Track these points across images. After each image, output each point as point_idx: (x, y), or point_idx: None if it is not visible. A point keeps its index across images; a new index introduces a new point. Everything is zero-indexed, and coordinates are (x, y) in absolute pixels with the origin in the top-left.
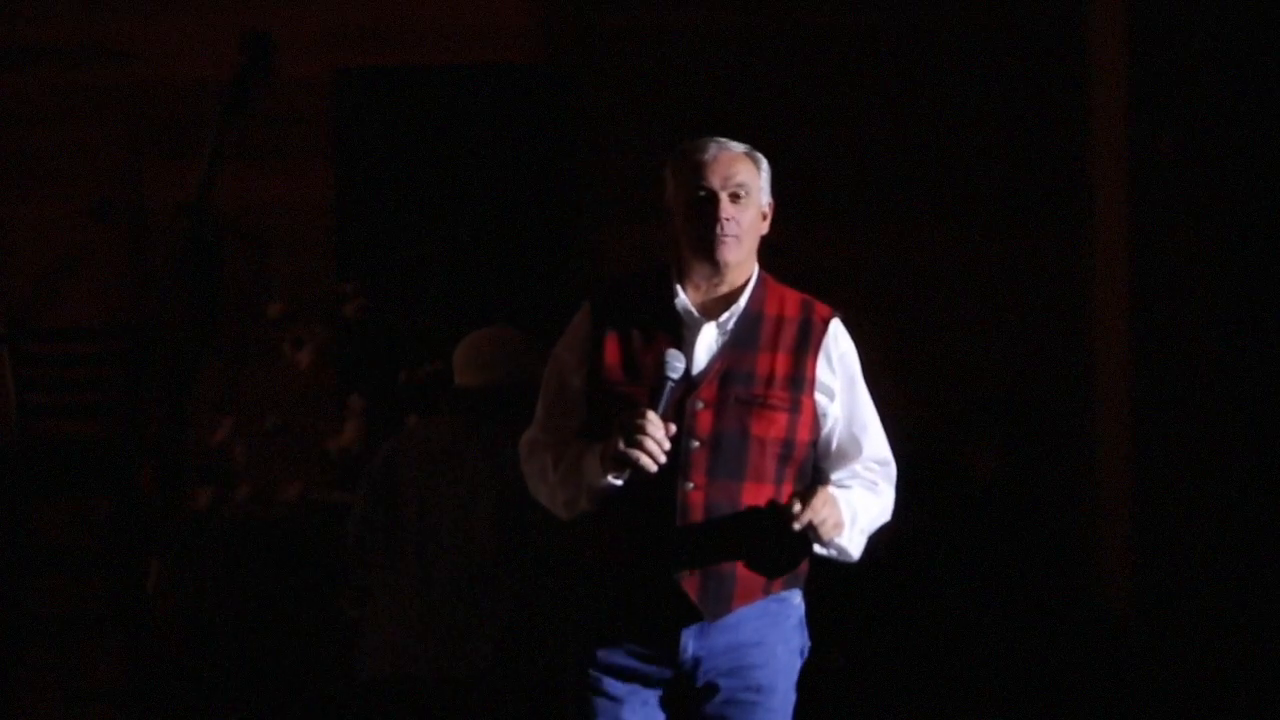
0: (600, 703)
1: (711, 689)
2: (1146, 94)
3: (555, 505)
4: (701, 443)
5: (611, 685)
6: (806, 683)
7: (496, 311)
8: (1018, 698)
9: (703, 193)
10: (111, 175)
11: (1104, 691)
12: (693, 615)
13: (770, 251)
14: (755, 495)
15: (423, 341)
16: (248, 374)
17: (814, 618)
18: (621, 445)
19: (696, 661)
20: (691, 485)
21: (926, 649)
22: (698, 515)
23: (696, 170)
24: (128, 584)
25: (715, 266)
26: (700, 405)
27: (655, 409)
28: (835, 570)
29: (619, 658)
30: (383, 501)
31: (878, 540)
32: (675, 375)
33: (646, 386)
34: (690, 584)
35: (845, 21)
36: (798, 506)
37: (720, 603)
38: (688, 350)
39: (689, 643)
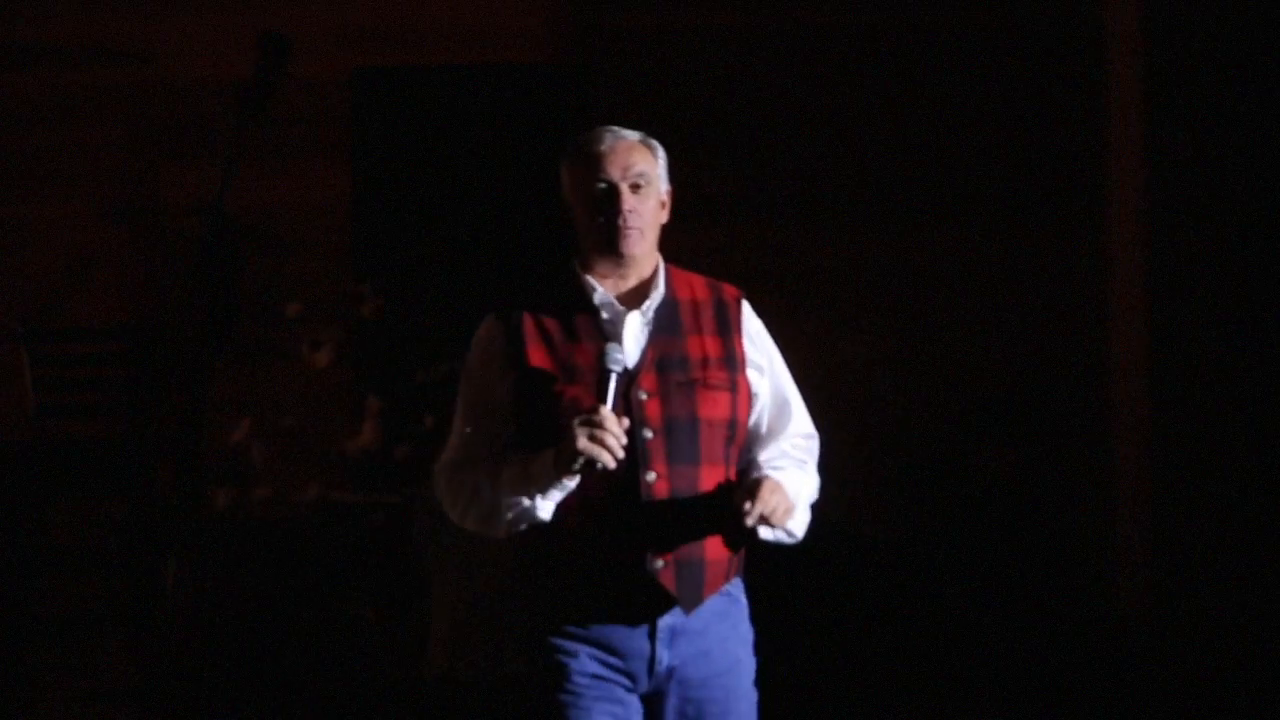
0: (581, 710)
1: (684, 700)
2: (1163, 92)
3: (490, 525)
4: (655, 431)
5: (585, 698)
6: (808, 683)
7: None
8: (1026, 698)
9: (603, 185)
10: (125, 176)
11: (1118, 691)
12: (666, 607)
13: (770, 251)
14: (710, 478)
15: (439, 341)
16: (265, 374)
17: (816, 618)
18: (582, 443)
19: (670, 672)
20: (654, 475)
21: (931, 648)
22: (664, 505)
23: (594, 163)
24: (144, 584)
25: (620, 259)
26: (644, 395)
27: (603, 404)
28: (837, 571)
29: (592, 668)
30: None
31: (880, 539)
32: (618, 367)
33: (584, 384)
34: (666, 576)
35: (850, 20)
36: (748, 504)
37: (695, 591)
38: (617, 343)
39: (662, 653)
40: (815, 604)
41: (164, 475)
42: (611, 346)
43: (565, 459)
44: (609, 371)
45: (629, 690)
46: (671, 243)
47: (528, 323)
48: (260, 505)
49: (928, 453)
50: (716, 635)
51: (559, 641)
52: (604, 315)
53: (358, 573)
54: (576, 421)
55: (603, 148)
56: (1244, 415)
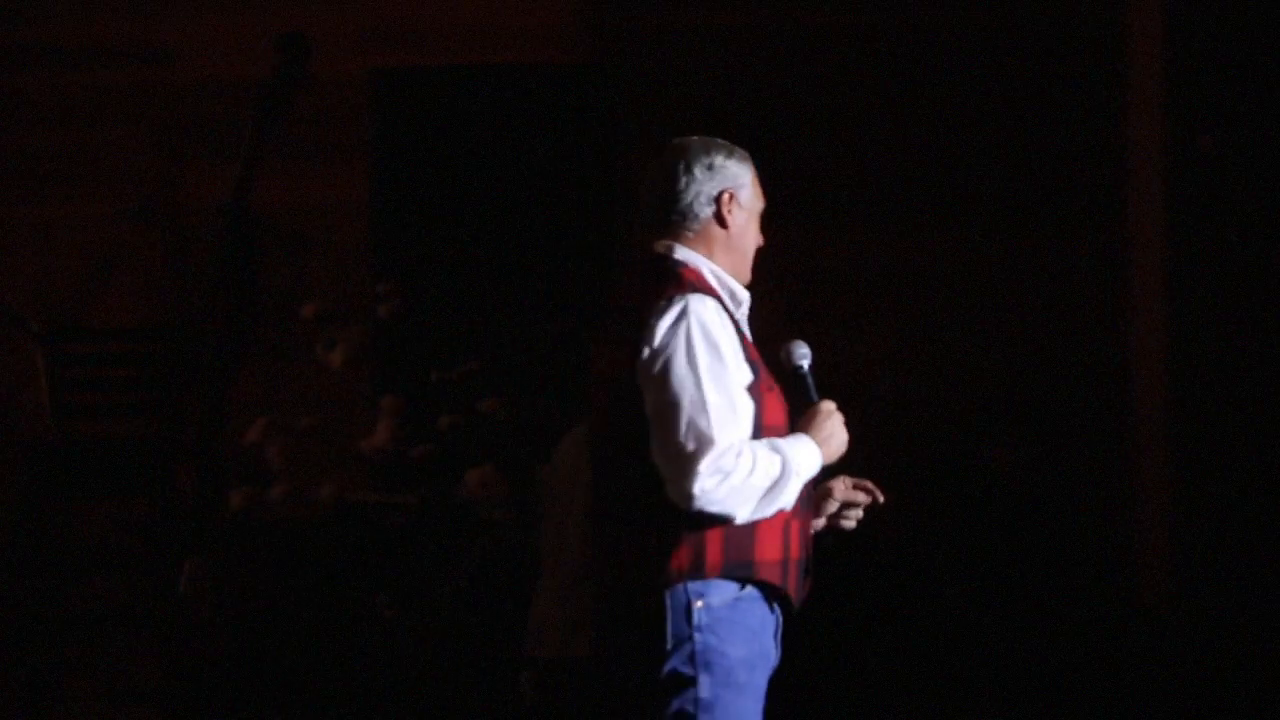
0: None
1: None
2: (1185, 93)
3: (770, 507)
4: None
5: (752, 707)
6: (810, 682)
7: (534, 314)
8: (1038, 699)
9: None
10: (149, 176)
11: (1137, 690)
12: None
13: (774, 252)
14: None
15: (457, 342)
16: (282, 374)
17: (822, 618)
18: (846, 436)
19: (773, 671)
20: None
21: (935, 649)
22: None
23: (758, 186)
24: (165, 584)
25: (748, 278)
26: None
27: (811, 398)
28: (842, 570)
29: (765, 672)
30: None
31: (885, 538)
32: (808, 362)
33: (774, 380)
34: (809, 582)
35: (858, 20)
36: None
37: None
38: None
39: (778, 650)
40: (821, 604)
41: (183, 475)
42: (798, 343)
43: (836, 452)
44: (801, 368)
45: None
46: None
47: (731, 312)
48: (276, 505)
49: (941, 452)
50: None
51: (744, 648)
52: (743, 316)
53: (375, 571)
54: (838, 416)
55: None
56: (1263, 412)
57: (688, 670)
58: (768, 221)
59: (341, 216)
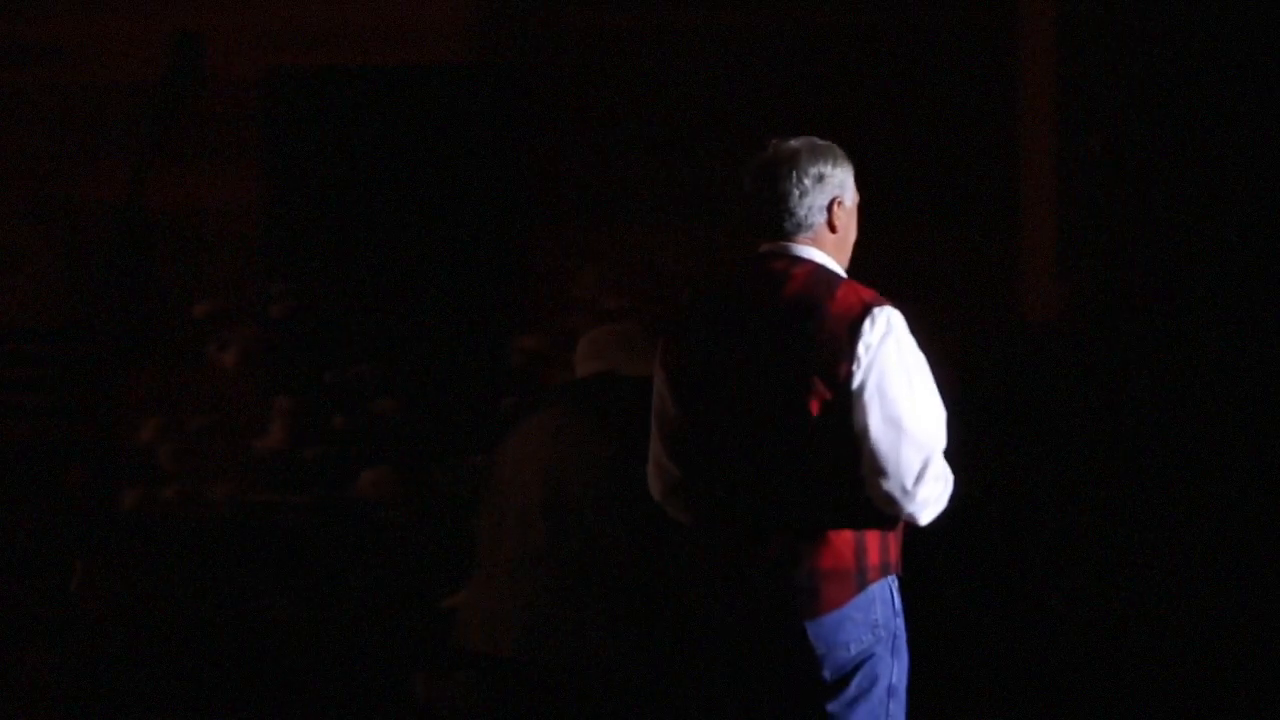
0: (906, 708)
1: None
2: (1074, 95)
3: (946, 505)
4: None
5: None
6: None
7: (430, 313)
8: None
9: None
10: (43, 176)
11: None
12: None
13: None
14: None
15: (351, 343)
16: (176, 374)
17: None
18: None
19: None
20: None
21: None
22: None
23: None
24: (55, 585)
25: None
26: None
27: None
28: None
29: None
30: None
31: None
32: None
33: None
34: None
35: (775, 23)
36: None
37: None
38: None
39: None
40: None
41: (74, 475)
42: None
43: None
44: None
45: None
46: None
47: None
48: (169, 505)
49: None
50: None
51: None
52: None
53: (269, 572)
54: None
55: None
56: (1160, 402)
57: (888, 657)
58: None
59: (235, 216)
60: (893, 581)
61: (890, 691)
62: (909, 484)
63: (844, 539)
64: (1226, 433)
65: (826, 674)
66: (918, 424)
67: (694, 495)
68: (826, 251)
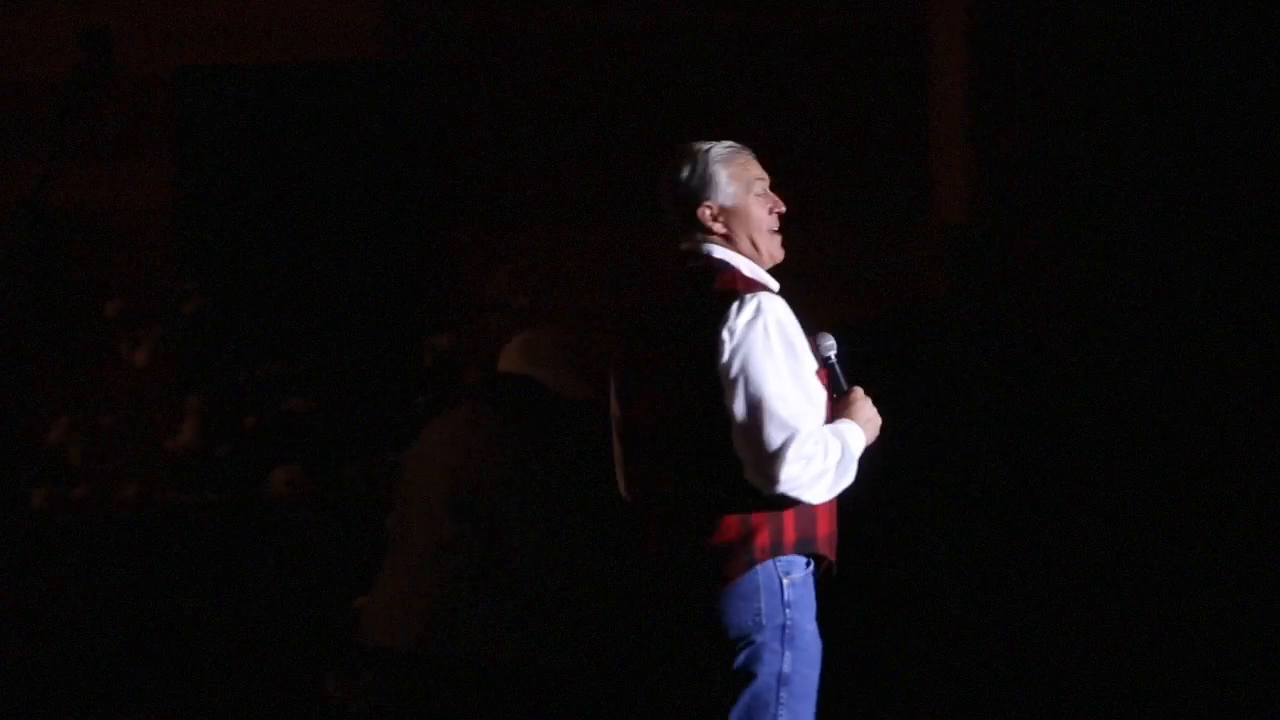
0: (811, 697)
1: None
2: (986, 94)
3: (834, 488)
4: None
5: (815, 681)
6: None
7: (341, 312)
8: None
9: (765, 181)
10: None
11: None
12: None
13: (598, 251)
14: None
15: (263, 341)
16: (86, 373)
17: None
18: (878, 424)
19: None
20: None
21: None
22: None
23: (750, 159)
24: None
25: (779, 254)
26: None
27: (841, 386)
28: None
29: (818, 649)
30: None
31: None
32: (834, 352)
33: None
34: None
35: (683, 23)
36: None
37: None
38: None
39: None
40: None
41: None
42: (825, 334)
43: (872, 435)
44: (830, 359)
45: None
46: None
47: None
48: (79, 504)
49: None
50: None
51: (812, 623)
52: None
53: (180, 570)
54: (869, 402)
55: (750, 156)
56: (1063, 403)
57: (776, 645)
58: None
59: (146, 214)
60: (786, 570)
61: (781, 679)
62: (771, 465)
63: (733, 520)
64: (1130, 402)
65: (716, 652)
66: (781, 405)
67: (628, 486)
68: (725, 245)
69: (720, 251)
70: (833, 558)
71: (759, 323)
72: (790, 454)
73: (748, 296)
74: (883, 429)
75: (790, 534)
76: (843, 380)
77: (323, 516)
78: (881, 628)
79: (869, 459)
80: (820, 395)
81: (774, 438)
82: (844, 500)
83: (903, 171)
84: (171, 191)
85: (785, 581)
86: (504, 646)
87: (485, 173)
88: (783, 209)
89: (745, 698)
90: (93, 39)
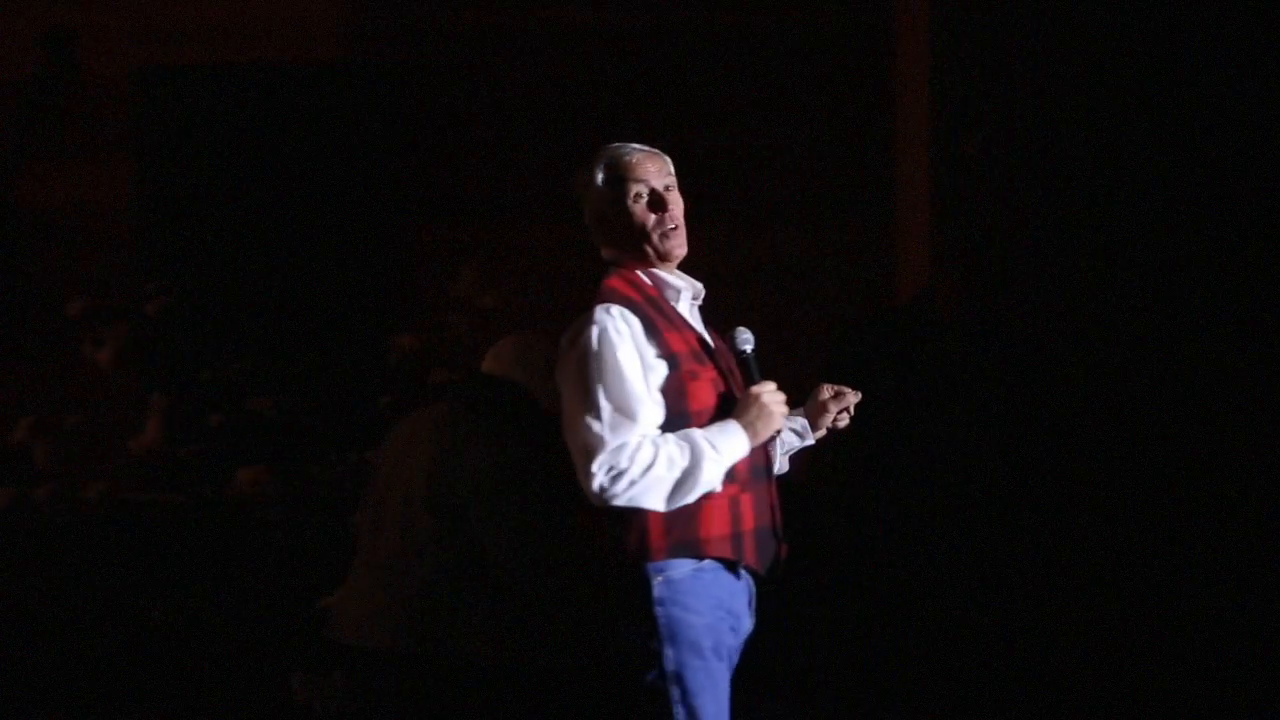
0: (724, 688)
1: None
2: (950, 95)
3: (680, 497)
4: None
5: (725, 666)
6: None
7: (306, 311)
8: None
9: (645, 190)
10: None
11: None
12: (758, 577)
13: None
14: None
15: (228, 340)
16: (49, 372)
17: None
18: (780, 420)
19: (748, 637)
20: (770, 447)
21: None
22: (772, 474)
23: (631, 170)
24: None
25: (668, 257)
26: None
27: (753, 381)
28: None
29: (729, 640)
30: (372, 474)
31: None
32: (750, 347)
33: (710, 365)
34: (783, 546)
35: (653, 23)
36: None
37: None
38: (700, 330)
39: (751, 617)
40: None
41: None
42: (741, 330)
43: (765, 430)
44: (743, 353)
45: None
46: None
47: (650, 312)
48: (43, 505)
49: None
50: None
51: (706, 610)
52: (682, 306)
53: (146, 570)
54: (768, 398)
55: (633, 159)
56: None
57: (653, 644)
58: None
59: (110, 214)
60: (660, 570)
61: (670, 678)
62: (582, 476)
63: (611, 527)
64: (1128, 402)
65: (615, 657)
66: (593, 418)
67: None
68: (614, 249)
69: (609, 255)
70: (744, 558)
71: (585, 335)
72: (594, 467)
73: (589, 312)
74: (882, 429)
75: (659, 538)
76: (755, 376)
77: (288, 516)
78: (881, 628)
79: (869, 459)
80: (649, 406)
81: (581, 451)
82: (843, 500)
83: (868, 173)
84: (134, 191)
85: (658, 580)
86: (481, 646)
87: (451, 172)
88: (668, 209)
89: (644, 701)
90: (55, 39)
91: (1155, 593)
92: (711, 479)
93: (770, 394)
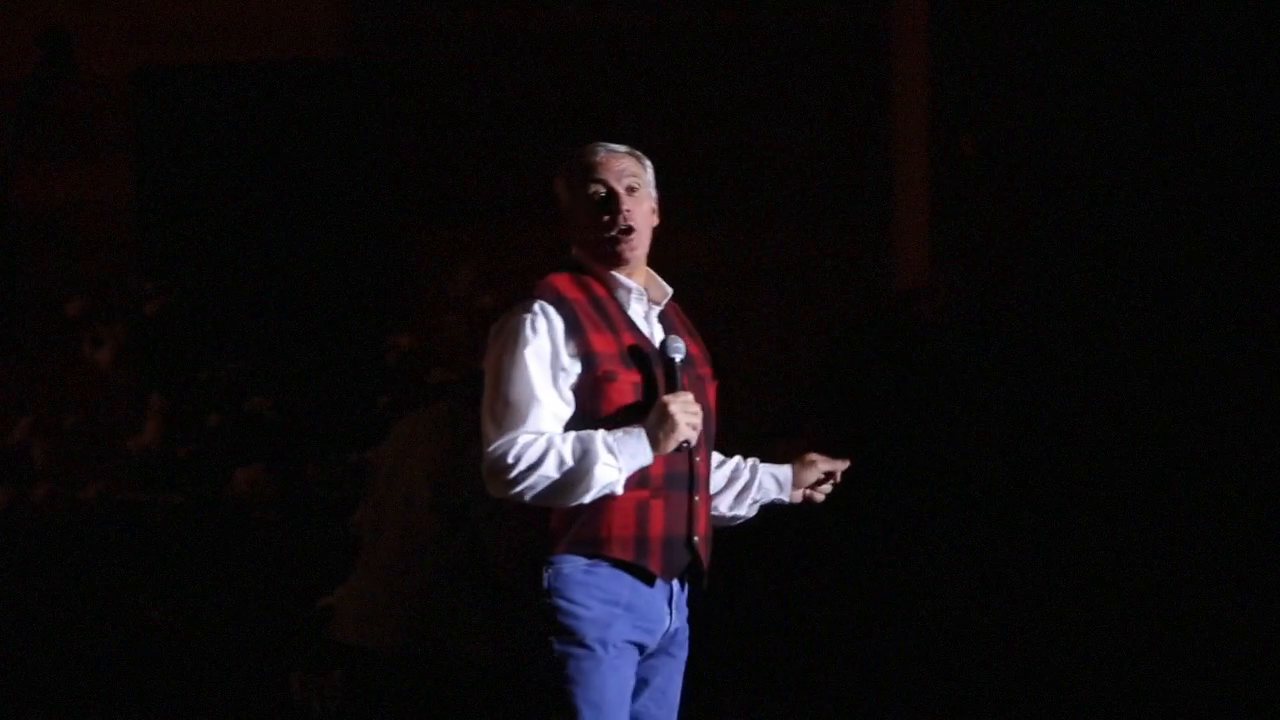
0: (613, 680)
1: (669, 660)
2: (948, 96)
3: (570, 496)
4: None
5: (620, 661)
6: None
7: (304, 311)
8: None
9: (602, 190)
10: None
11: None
12: (682, 577)
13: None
14: (710, 464)
15: (226, 340)
16: (48, 372)
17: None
18: (685, 429)
19: (674, 634)
20: (699, 458)
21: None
22: (704, 486)
23: (591, 170)
24: None
25: (621, 259)
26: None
27: (675, 389)
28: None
29: (628, 634)
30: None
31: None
32: (680, 355)
33: (637, 369)
34: (702, 548)
35: (654, 24)
36: (833, 468)
37: (708, 562)
38: (649, 335)
39: (674, 615)
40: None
41: None
42: (671, 338)
43: (667, 439)
44: (673, 360)
45: (640, 653)
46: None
47: (580, 311)
48: (41, 504)
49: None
50: (686, 609)
51: (594, 604)
52: (635, 309)
53: (144, 570)
54: (674, 407)
55: (597, 158)
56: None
57: (539, 632)
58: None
59: (107, 213)
60: (552, 563)
61: (551, 664)
62: (483, 467)
63: (514, 518)
64: (1129, 402)
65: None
66: (493, 412)
67: None
68: (575, 245)
69: (575, 252)
70: (646, 562)
71: (504, 328)
72: (488, 460)
73: (520, 302)
74: (882, 428)
75: (558, 533)
76: (675, 385)
77: (284, 516)
78: (881, 628)
79: (869, 459)
80: (549, 406)
81: (483, 446)
82: (845, 500)
83: (866, 174)
84: (132, 190)
85: (549, 572)
86: (481, 645)
87: (449, 171)
88: (620, 210)
89: (535, 689)
90: (53, 39)
91: (1155, 593)
92: (606, 482)
93: (679, 404)
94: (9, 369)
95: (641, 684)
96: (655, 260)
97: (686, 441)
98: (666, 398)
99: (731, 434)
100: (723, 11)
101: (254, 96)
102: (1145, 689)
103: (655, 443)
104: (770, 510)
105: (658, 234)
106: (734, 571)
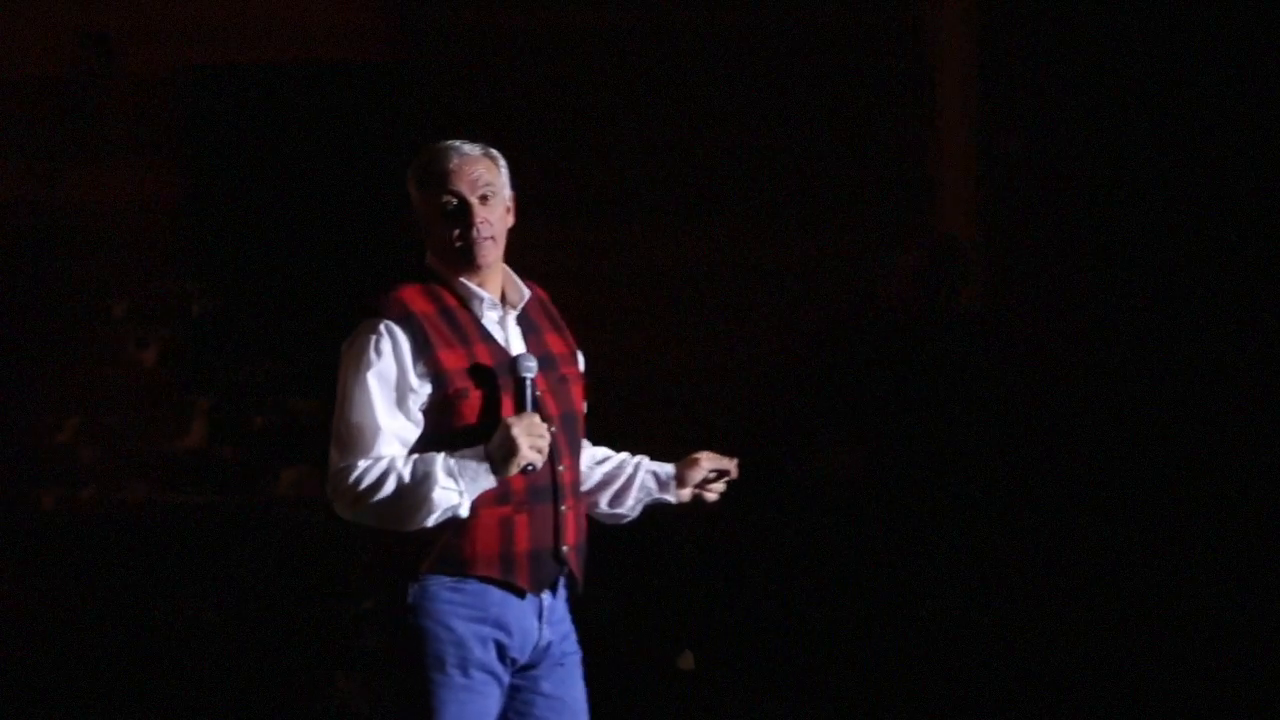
0: (471, 708)
1: (551, 671)
2: (994, 96)
3: (411, 519)
4: (556, 426)
5: (483, 686)
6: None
7: (347, 311)
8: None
9: (454, 201)
10: None
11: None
12: (554, 588)
13: (599, 250)
14: (579, 467)
15: (271, 341)
16: (94, 374)
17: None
18: (526, 451)
19: (547, 647)
20: (563, 467)
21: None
22: (571, 494)
23: (443, 179)
24: None
25: (477, 268)
26: (540, 392)
27: (524, 408)
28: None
29: (489, 650)
30: None
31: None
32: (531, 374)
33: (491, 384)
34: (573, 558)
35: (675, 23)
36: (726, 465)
37: (582, 572)
38: (504, 343)
39: (545, 630)
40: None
41: None
42: (523, 355)
43: (507, 463)
44: (524, 379)
45: (506, 668)
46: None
47: (428, 325)
48: (88, 505)
49: (775, 456)
50: (568, 615)
51: (458, 624)
52: (489, 317)
53: (193, 572)
54: (517, 430)
55: (450, 165)
56: (1079, 410)
57: (400, 652)
58: (585, 218)
59: (153, 214)
60: (416, 580)
61: (409, 692)
62: (327, 491)
63: (380, 537)
64: (1129, 402)
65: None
66: (337, 435)
67: None
68: (429, 255)
69: (429, 259)
70: (514, 578)
71: (351, 347)
72: (330, 483)
73: (367, 320)
74: (881, 428)
75: (423, 552)
76: (526, 404)
77: (330, 517)
78: (881, 628)
79: (869, 459)
80: (391, 427)
81: (330, 463)
82: (842, 500)
83: (904, 173)
84: (175, 191)
85: (413, 588)
86: None
87: None
88: (474, 223)
89: (392, 705)
90: (94, 39)
91: (1155, 593)
92: (447, 505)
93: (523, 427)
94: (56, 370)
95: (531, 696)
96: (670, 262)
97: (531, 465)
98: (510, 420)
99: (733, 434)
100: (761, 10)
101: (298, 96)
102: (1145, 689)
103: (496, 467)
104: (770, 510)
105: (658, 234)
106: (734, 571)
